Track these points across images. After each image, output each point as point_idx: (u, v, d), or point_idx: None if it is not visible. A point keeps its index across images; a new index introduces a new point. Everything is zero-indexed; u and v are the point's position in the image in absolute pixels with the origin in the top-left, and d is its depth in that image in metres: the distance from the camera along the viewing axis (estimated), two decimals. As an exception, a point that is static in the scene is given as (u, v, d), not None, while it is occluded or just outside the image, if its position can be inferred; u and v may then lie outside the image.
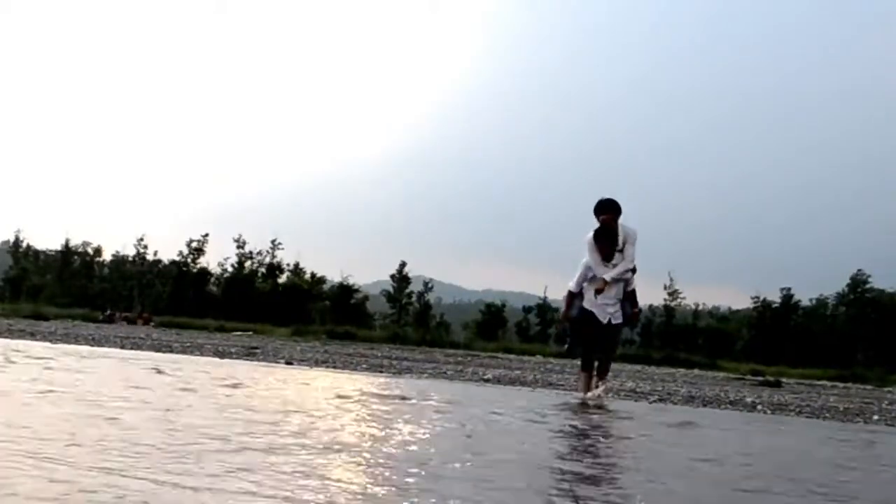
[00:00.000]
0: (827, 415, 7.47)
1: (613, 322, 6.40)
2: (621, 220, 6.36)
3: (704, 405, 7.54)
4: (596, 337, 6.44)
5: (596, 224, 6.36)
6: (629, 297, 6.50)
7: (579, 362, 6.66)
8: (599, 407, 5.85)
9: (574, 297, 6.58)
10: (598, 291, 6.30)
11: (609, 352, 6.61)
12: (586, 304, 6.43)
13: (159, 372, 6.08)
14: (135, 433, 2.72)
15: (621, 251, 6.32)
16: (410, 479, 2.24)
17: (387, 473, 2.33)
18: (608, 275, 6.28)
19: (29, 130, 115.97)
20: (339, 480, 2.15)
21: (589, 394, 6.33)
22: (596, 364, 6.51)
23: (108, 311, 35.86)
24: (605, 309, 6.36)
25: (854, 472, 3.49)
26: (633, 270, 6.46)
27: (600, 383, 6.42)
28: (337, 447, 2.75)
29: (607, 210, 6.32)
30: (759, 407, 7.86)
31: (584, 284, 6.50)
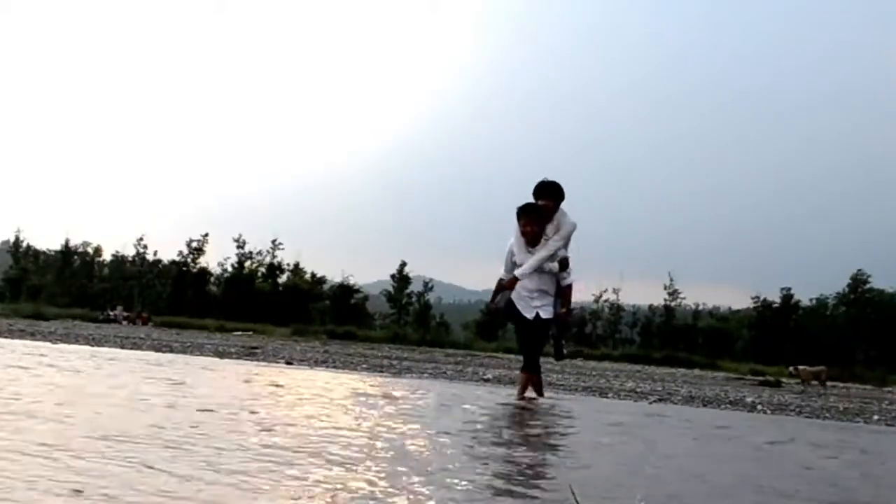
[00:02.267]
0: (827, 415, 7.46)
1: (542, 316, 5.60)
2: (564, 208, 5.58)
3: (704, 405, 7.54)
4: (525, 331, 5.73)
5: None
6: (562, 295, 5.71)
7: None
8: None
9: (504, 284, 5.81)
10: (509, 286, 5.60)
11: (532, 349, 5.75)
12: (512, 295, 5.67)
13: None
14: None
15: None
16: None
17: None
18: (519, 270, 5.53)
19: (29, 130, 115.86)
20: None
21: (527, 394, 5.72)
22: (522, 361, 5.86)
23: (113, 311, 34.84)
24: (530, 302, 5.59)
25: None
26: (566, 264, 5.63)
27: (530, 384, 5.76)
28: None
29: (546, 194, 5.53)
30: (759, 407, 7.86)
31: (516, 272, 5.68)
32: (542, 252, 5.50)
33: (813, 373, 16.78)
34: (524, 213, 5.56)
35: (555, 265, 5.56)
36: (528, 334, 5.70)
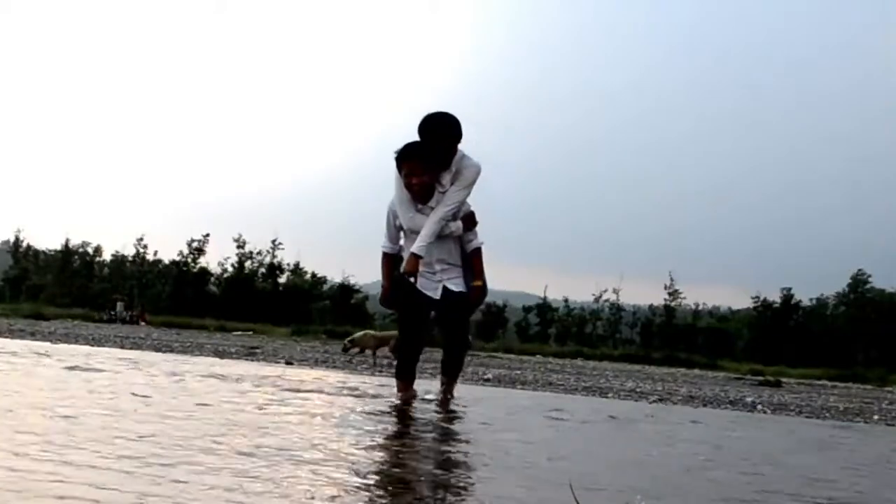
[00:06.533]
0: (827, 414, 7.47)
1: (453, 290, 4.25)
2: (462, 149, 4.16)
3: (705, 405, 7.53)
4: (421, 319, 4.32)
5: None
6: (471, 262, 4.33)
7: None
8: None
9: (392, 260, 4.45)
10: (410, 269, 4.14)
11: (454, 338, 4.41)
12: (403, 270, 4.26)
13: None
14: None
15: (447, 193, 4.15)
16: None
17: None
18: (416, 245, 4.09)
19: (29, 130, 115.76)
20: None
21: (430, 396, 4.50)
22: (441, 360, 4.57)
23: (126, 311, 32.82)
24: (431, 277, 4.24)
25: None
26: (472, 221, 4.32)
27: (447, 387, 4.55)
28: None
29: (437, 132, 4.07)
30: (759, 407, 7.86)
31: (402, 242, 4.36)
32: (439, 210, 4.09)
33: (379, 338, 12.59)
34: (406, 158, 4.10)
35: (458, 224, 4.22)
36: (439, 317, 4.34)
